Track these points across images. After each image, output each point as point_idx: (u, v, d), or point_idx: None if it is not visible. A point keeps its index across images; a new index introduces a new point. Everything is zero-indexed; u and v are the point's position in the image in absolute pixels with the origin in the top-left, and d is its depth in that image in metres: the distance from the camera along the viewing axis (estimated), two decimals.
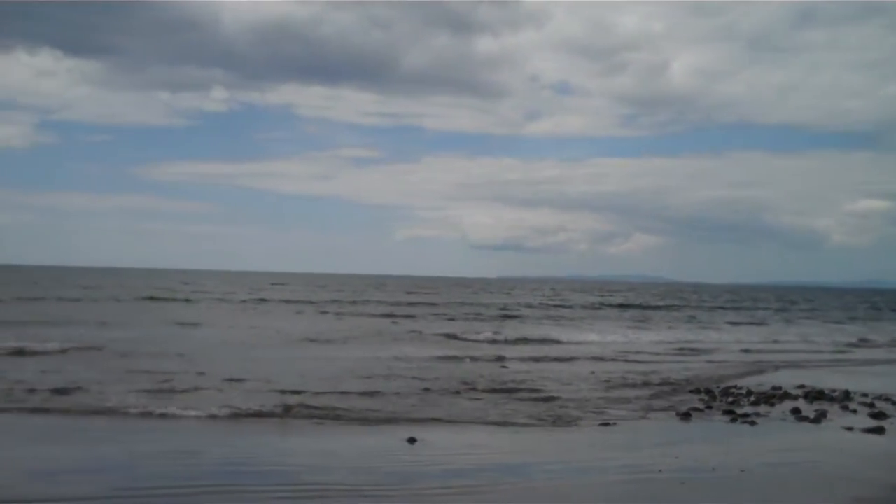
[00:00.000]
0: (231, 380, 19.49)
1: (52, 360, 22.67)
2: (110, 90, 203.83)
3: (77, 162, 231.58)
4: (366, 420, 15.48)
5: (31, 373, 19.69)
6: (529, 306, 66.97)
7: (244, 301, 60.38)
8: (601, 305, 72.46)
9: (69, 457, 11.98)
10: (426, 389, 19.17)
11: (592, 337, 38.30)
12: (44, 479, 10.58)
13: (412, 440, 13.43)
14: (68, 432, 13.83)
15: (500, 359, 26.98)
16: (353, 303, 62.33)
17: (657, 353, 30.85)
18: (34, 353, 23.71)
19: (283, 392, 17.89)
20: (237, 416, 15.34)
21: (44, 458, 11.82)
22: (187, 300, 59.47)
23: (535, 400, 18.33)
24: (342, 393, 18.27)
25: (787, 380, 22.89)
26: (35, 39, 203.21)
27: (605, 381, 21.91)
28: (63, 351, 24.59)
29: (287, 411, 15.82)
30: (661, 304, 79.87)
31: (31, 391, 17.07)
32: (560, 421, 16.00)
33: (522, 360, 27.04)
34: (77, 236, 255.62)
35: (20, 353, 23.59)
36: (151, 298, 58.99)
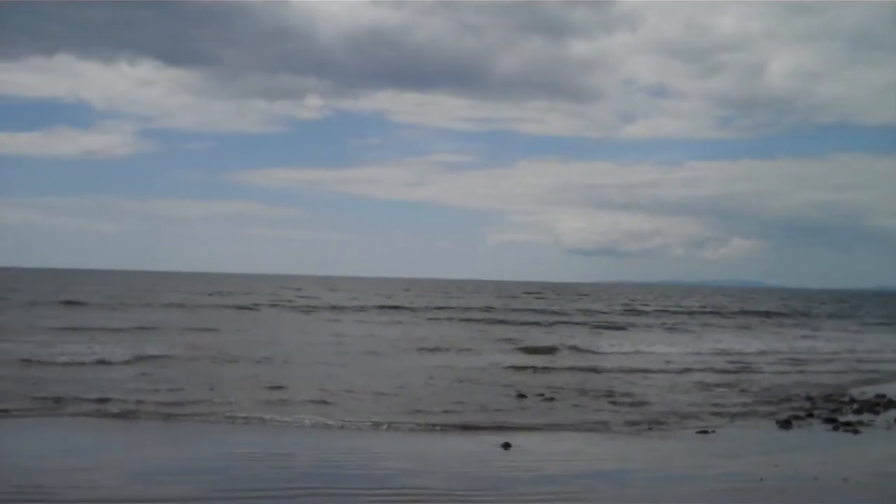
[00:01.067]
0: (331, 388, 19.67)
1: (169, 365, 23.08)
2: (208, 99, 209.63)
3: (176, 169, 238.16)
4: (460, 425, 15.48)
5: (146, 380, 20.14)
6: (625, 312, 66.23)
7: (357, 308, 59.93)
8: (699, 311, 71.23)
9: (171, 459, 12.24)
10: (520, 395, 19.08)
11: (691, 343, 37.73)
12: (146, 481, 10.80)
13: (506, 445, 13.38)
14: (173, 436, 14.12)
15: (596, 365, 26.72)
16: (451, 308, 62.06)
17: (757, 361, 30.19)
18: (148, 358, 23.96)
19: (379, 394, 18.05)
20: (333, 420, 15.49)
21: (147, 459, 12.09)
22: (291, 306, 59.68)
23: (631, 406, 18.12)
24: (435, 397, 18.33)
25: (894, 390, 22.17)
26: (136, 50, 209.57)
27: (704, 388, 21.56)
28: (181, 357, 24.95)
29: (379, 418, 15.91)
30: (761, 309, 78.23)
31: (138, 399, 17.46)
32: (656, 428, 15.79)
33: (618, 366, 26.73)
34: (177, 242, 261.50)
35: (139, 358, 23.74)
36: (272, 305, 59.29)
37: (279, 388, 19.19)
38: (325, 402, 17.28)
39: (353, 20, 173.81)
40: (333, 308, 58.81)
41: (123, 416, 15.45)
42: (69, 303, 51.99)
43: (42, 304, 50.97)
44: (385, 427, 15.08)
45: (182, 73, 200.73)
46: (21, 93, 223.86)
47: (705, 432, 15.33)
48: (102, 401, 16.56)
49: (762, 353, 34.23)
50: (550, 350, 32.15)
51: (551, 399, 18.77)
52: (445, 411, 16.76)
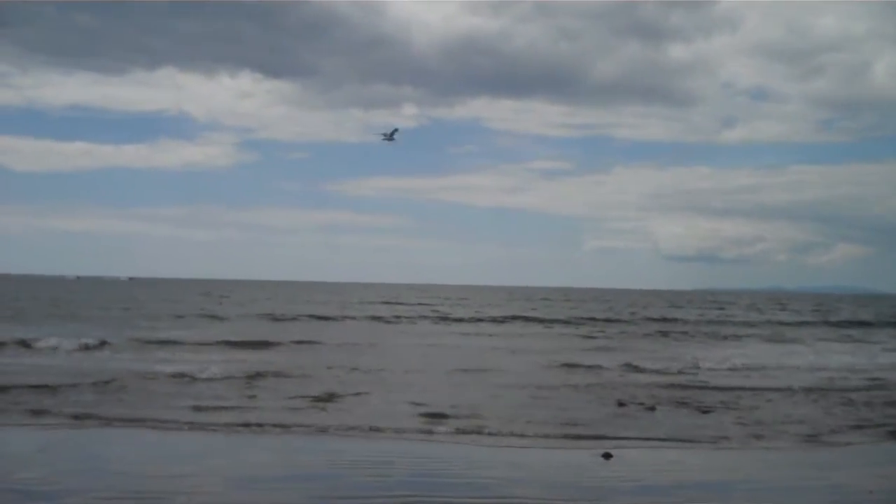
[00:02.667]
0: (436, 398, 19.71)
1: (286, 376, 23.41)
2: (306, 109, 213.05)
3: (275, 179, 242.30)
4: (560, 434, 15.33)
5: (266, 389, 20.47)
6: (726, 322, 64.84)
7: (475, 320, 59.03)
8: (807, 320, 69.41)
9: (273, 466, 12.37)
10: (621, 404, 18.83)
11: (799, 352, 36.84)
12: (248, 487, 10.94)
13: (607, 455, 13.20)
14: (277, 444, 14.26)
15: (698, 374, 26.24)
16: (551, 321, 61.48)
17: (863, 370, 29.28)
18: (270, 375, 24.23)
19: (481, 403, 18.02)
20: (431, 428, 15.50)
21: (250, 466, 12.24)
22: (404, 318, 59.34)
23: (736, 417, 17.72)
24: (535, 405, 18.22)
25: None
26: (236, 63, 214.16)
27: (812, 398, 20.95)
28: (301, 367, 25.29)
29: (474, 426, 15.85)
30: (868, 318, 75.77)
31: (245, 408, 17.73)
32: (762, 438, 15.41)
33: (723, 374, 26.20)
34: (275, 251, 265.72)
35: (279, 375, 23.62)
36: (396, 319, 57.96)
37: (387, 398, 19.35)
38: (430, 414, 17.26)
39: (449, 28, 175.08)
40: (462, 320, 57.83)
41: (233, 426, 15.70)
42: (212, 316, 52.06)
43: (187, 315, 52.12)
44: (484, 436, 15.02)
45: (281, 84, 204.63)
46: (126, 107, 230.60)
47: (812, 443, 14.92)
48: (211, 410, 16.91)
49: (869, 361, 33.22)
50: (650, 358, 31.69)
51: (652, 409, 18.47)
52: (545, 420, 16.62)
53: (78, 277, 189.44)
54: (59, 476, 11.07)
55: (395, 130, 43.81)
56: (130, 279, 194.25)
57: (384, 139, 43.30)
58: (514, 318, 60.01)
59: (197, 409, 17.01)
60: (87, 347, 29.35)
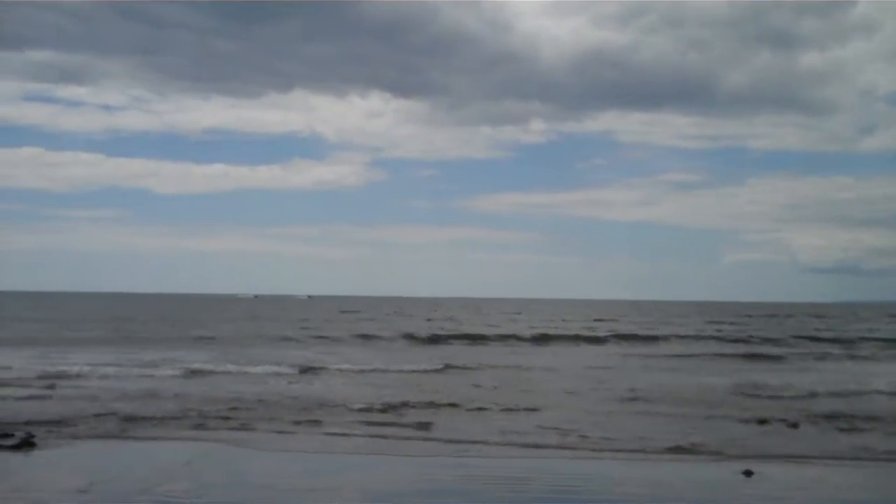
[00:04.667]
0: (577, 414, 19.58)
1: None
2: (434, 127, 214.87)
3: (404, 197, 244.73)
4: (699, 451, 15.00)
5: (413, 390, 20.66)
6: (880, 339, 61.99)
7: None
8: None
9: (409, 480, 12.44)
10: (762, 421, 18.31)
11: None
12: (384, 500, 11.02)
13: (748, 473, 12.85)
14: (412, 457, 14.35)
15: (847, 389, 25.34)
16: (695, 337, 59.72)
17: None
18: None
19: (621, 417, 17.82)
20: (570, 445, 15.38)
21: (385, 481, 12.35)
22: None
23: (887, 434, 17.04)
24: (676, 421, 17.91)
25: None
26: (366, 83, 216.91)
27: None
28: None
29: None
30: None
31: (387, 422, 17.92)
32: None
33: (875, 391, 25.24)
34: (405, 268, 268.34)
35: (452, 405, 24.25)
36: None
37: (526, 412, 19.36)
38: (566, 429, 17.13)
39: (577, 42, 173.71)
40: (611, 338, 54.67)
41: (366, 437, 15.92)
42: (364, 336, 51.50)
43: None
44: (620, 451, 14.83)
45: (409, 103, 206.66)
46: (260, 129, 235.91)
47: None
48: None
49: None
50: (800, 375, 30.81)
51: (795, 425, 17.90)
52: (685, 435, 16.29)
53: (256, 296, 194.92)
54: (203, 489, 11.37)
55: None
56: (309, 297, 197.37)
57: None
58: (657, 337, 56.55)
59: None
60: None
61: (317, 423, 17.33)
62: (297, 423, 17.34)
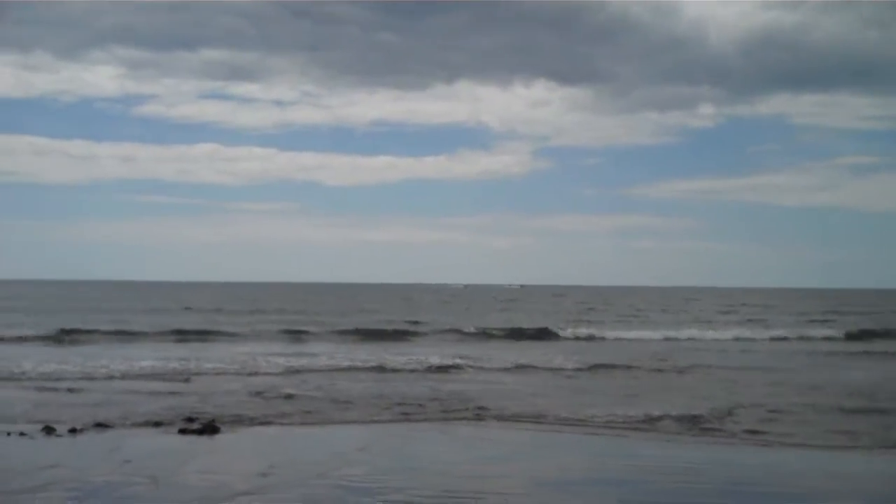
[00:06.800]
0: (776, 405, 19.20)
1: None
2: (599, 114, 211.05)
3: (570, 185, 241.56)
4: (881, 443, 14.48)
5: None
6: None
7: None
8: None
9: (578, 469, 12.46)
10: None
11: None
12: (553, 489, 11.09)
13: None
14: (583, 445, 14.41)
15: None
16: None
17: None
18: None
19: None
20: (748, 435, 15.10)
21: (555, 468, 12.40)
22: None
23: None
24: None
25: None
26: (531, 72, 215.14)
27: None
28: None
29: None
30: None
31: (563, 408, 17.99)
32: None
33: None
34: (572, 256, 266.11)
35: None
36: None
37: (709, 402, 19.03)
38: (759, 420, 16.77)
39: (746, 24, 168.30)
40: None
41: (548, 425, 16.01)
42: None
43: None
44: (797, 443, 14.46)
45: (575, 91, 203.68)
46: (426, 120, 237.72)
47: None
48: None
49: None
50: None
51: None
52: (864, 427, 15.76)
53: (465, 286, 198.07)
54: (380, 473, 11.67)
55: None
56: (521, 286, 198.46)
57: None
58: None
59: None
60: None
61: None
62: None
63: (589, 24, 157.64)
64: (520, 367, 26.29)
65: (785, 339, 43.06)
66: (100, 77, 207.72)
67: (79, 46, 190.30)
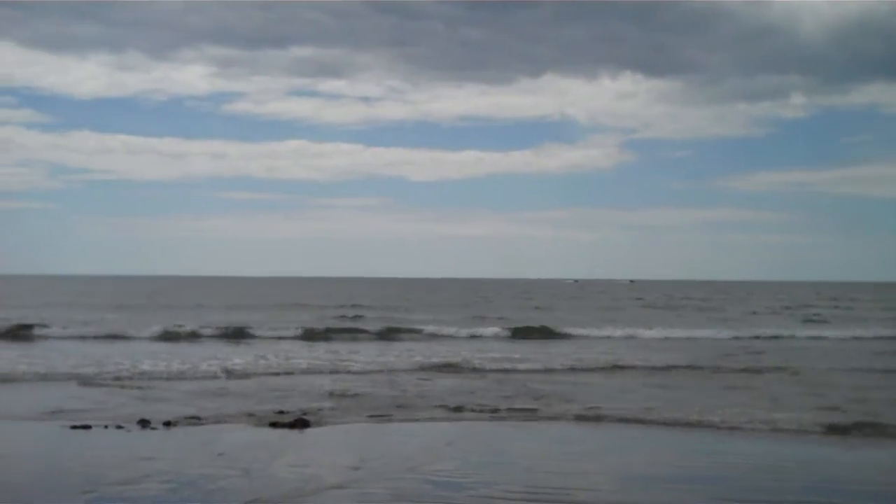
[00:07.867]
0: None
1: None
2: (687, 106, 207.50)
3: (657, 178, 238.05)
4: None
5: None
6: None
7: None
8: None
9: (665, 465, 12.40)
10: None
11: None
12: (641, 486, 11.05)
13: None
14: (667, 441, 14.33)
15: None
16: None
17: None
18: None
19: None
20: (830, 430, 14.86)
21: (644, 465, 12.36)
22: None
23: None
24: None
25: None
26: (617, 65, 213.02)
27: None
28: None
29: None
30: None
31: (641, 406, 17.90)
32: None
33: None
34: (660, 250, 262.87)
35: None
36: None
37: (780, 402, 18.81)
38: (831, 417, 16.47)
39: (838, 12, 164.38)
40: None
41: (625, 421, 15.94)
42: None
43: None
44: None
45: (661, 83, 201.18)
46: (511, 114, 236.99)
47: None
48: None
49: None
50: None
51: None
52: None
53: (576, 281, 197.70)
54: (469, 468, 11.77)
55: None
56: (631, 281, 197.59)
57: None
58: None
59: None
60: None
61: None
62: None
63: (676, 15, 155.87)
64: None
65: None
66: (190, 76, 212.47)
67: (170, 46, 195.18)
